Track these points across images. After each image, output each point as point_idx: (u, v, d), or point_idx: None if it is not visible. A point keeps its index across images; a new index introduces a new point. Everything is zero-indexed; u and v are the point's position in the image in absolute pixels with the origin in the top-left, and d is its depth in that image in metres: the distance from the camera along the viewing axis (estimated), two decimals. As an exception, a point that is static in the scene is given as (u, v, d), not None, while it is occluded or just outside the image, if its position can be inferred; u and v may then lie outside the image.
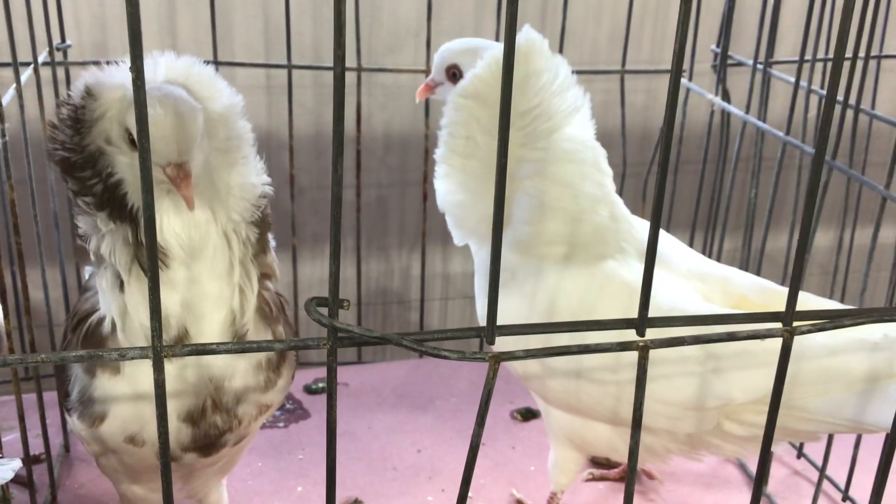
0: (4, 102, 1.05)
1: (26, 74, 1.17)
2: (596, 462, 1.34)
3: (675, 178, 1.58)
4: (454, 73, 1.13)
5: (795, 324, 0.65)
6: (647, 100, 1.84)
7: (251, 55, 1.62)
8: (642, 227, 1.13)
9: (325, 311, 0.60)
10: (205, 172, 0.81)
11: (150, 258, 0.55)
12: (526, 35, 1.07)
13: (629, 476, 0.68)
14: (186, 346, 0.58)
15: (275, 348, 0.60)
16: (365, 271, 1.67)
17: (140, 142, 0.52)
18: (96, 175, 0.80)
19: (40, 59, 1.22)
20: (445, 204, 1.13)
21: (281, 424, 1.42)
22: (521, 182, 1.08)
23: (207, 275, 0.83)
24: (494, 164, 1.04)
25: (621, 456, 1.13)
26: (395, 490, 1.27)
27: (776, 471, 1.33)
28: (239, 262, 0.85)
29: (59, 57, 1.33)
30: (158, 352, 0.57)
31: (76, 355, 0.58)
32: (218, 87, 0.84)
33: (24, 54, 1.17)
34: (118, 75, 0.81)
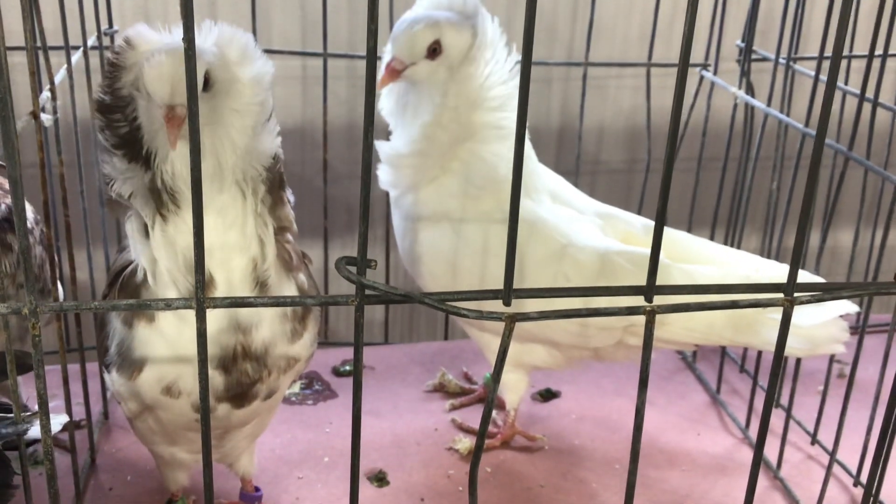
0: (56, 81, 1.11)
1: (76, 57, 1.23)
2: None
3: (697, 173, 1.61)
4: (435, 49, 1.18)
5: (796, 294, 0.69)
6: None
7: (288, 45, 1.67)
8: (545, 174, 1.31)
9: (354, 269, 0.65)
10: (216, 129, 0.87)
11: (195, 215, 0.60)
12: None
13: (635, 434, 0.72)
14: (227, 298, 0.63)
15: (307, 303, 0.65)
16: (393, 259, 1.72)
17: (190, 107, 0.57)
18: (125, 118, 0.88)
19: (89, 43, 1.28)
20: (395, 161, 1.24)
21: (310, 402, 1.47)
22: (475, 145, 1.21)
23: (221, 223, 0.89)
24: (459, 136, 1.19)
25: (550, 365, 1.30)
26: (417, 463, 1.32)
27: (790, 455, 1.36)
28: (252, 213, 0.90)
29: (106, 42, 1.39)
30: (201, 302, 0.62)
31: (126, 304, 0.63)
32: (251, 56, 0.90)
33: (74, 39, 1.23)
34: (157, 34, 0.89)
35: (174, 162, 0.87)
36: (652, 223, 1.29)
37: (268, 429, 1.17)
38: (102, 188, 0.93)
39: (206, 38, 0.89)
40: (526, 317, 0.66)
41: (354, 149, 1.78)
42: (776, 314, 1.13)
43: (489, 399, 0.69)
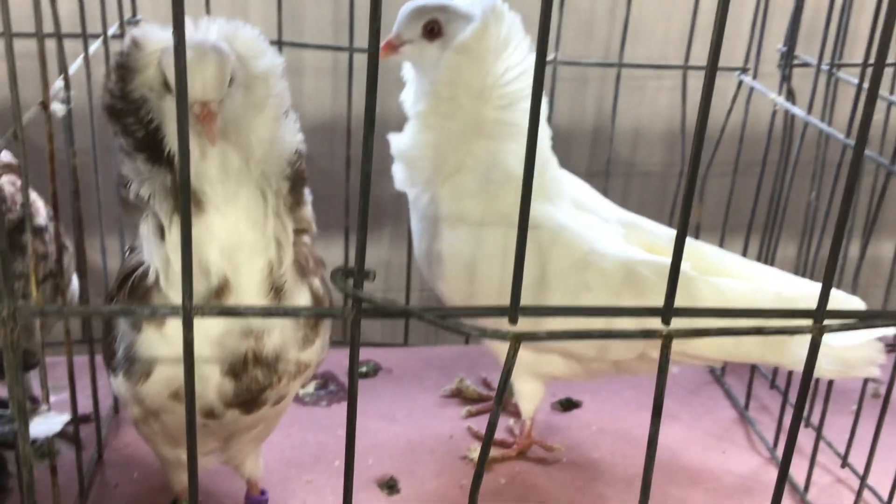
0: (71, 71, 1.08)
1: (95, 46, 1.21)
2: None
3: (732, 180, 1.55)
4: (432, 29, 1.14)
5: (826, 322, 0.64)
6: (715, 102, 1.81)
7: (319, 38, 1.63)
8: (567, 179, 1.26)
9: (351, 282, 0.61)
10: (240, 125, 0.85)
11: (183, 218, 0.57)
12: None
13: (647, 462, 0.67)
14: (215, 307, 0.60)
15: (300, 314, 0.62)
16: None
17: (179, 108, 0.53)
18: (138, 122, 0.85)
19: (110, 32, 1.26)
20: (406, 156, 1.20)
21: (323, 403, 1.44)
22: (489, 143, 1.17)
23: (244, 224, 0.86)
24: (471, 126, 1.14)
25: (568, 376, 1.26)
26: (429, 471, 1.29)
27: (819, 478, 1.30)
28: (273, 214, 0.88)
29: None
30: (188, 310, 0.59)
31: (109, 310, 0.60)
32: (261, 49, 0.87)
33: (95, 27, 1.21)
34: (164, 32, 0.86)
35: (199, 162, 0.84)
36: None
37: (278, 430, 1.14)
38: (118, 188, 0.90)
39: (208, 31, 0.86)
40: (533, 336, 0.62)
41: (382, 144, 1.74)
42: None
43: (491, 421, 0.65)
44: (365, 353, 1.57)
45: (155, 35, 0.86)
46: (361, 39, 1.57)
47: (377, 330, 1.85)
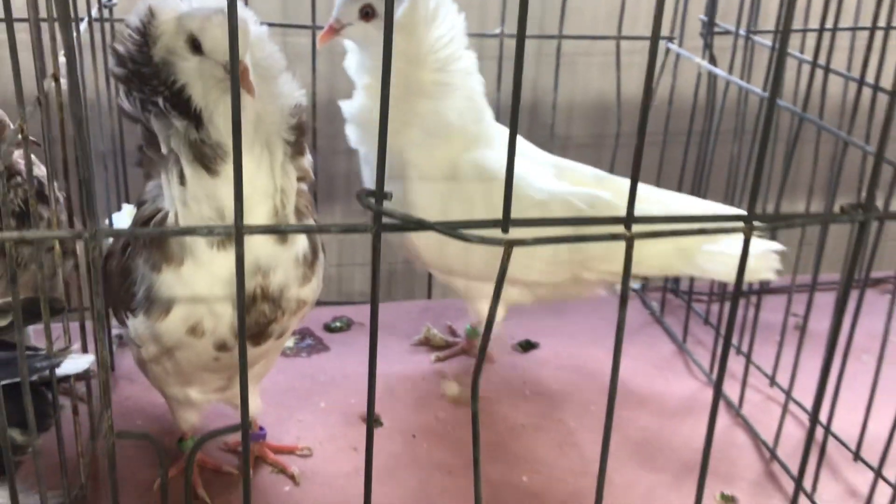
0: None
1: (82, 27, 1.30)
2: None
3: (663, 144, 1.70)
4: (367, 13, 1.30)
5: (754, 223, 0.80)
6: (642, 73, 1.96)
7: (273, 20, 1.73)
8: (501, 130, 1.43)
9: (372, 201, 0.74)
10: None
11: (235, 155, 0.69)
12: None
13: (616, 345, 0.82)
14: (261, 226, 0.72)
15: (331, 230, 0.74)
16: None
17: (232, 66, 0.65)
18: (162, 83, 0.96)
19: (93, 15, 1.35)
20: (357, 118, 1.37)
21: (304, 355, 1.56)
22: (429, 101, 1.33)
23: (255, 171, 0.97)
24: (408, 89, 1.32)
25: (518, 301, 1.43)
26: (408, 407, 1.42)
27: (751, 395, 1.47)
28: (279, 163, 1.00)
29: (105, 14, 1.46)
30: (240, 229, 0.71)
31: (173, 230, 0.72)
32: (249, 18, 0.98)
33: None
34: (176, 1, 0.98)
35: (224, 117, 0.95)
36: (602, 173, 1.44)
37: (269, 379, 1.26)
38: (144, 143, 1.02)
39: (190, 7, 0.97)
40: (522, 242, 0.76)
41: (334, 124, 1.84)
42: (712, 247, 1.34)
43: (488, 321, 0.79)
44: (338, 310, 1.69)
45: (167, 4, 0.97)
46: (321, 18, 1.68)
47: (351, 288, 1.97)
